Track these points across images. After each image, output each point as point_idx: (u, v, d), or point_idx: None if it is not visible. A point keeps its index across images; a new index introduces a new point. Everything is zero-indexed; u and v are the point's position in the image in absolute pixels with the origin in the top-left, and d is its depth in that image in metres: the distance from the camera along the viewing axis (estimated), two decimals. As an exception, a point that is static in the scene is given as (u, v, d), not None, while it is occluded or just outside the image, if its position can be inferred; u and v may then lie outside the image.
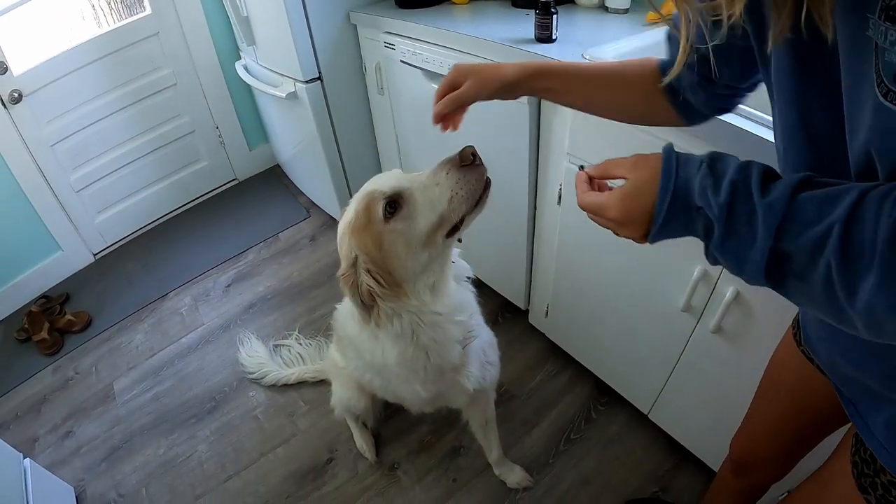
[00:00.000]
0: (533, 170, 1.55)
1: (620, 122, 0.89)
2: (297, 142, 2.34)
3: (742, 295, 1.13)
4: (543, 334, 1.92)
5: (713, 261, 0.52)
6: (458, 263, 1.11)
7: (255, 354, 1.97)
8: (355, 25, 1.92)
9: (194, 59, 2.53)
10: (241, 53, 2.48)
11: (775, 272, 0.47)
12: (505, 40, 1.42)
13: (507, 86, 0.84)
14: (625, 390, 1.71)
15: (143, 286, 2.45)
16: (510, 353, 1.91)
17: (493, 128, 1.54)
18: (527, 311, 1.96)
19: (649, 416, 1.67)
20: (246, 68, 2.36)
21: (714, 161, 0.51)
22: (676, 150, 0.54)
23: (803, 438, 0.92)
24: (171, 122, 2.62)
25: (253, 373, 1.94)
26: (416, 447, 1.74)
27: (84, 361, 2.18)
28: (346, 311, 1.24)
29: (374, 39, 1.85)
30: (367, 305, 0.96)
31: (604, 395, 1.79)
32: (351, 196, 2.35)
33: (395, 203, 0.88)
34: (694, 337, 1.34)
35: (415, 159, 2.06)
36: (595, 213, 0.60)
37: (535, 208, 1.65)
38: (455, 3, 1.81)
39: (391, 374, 1.15)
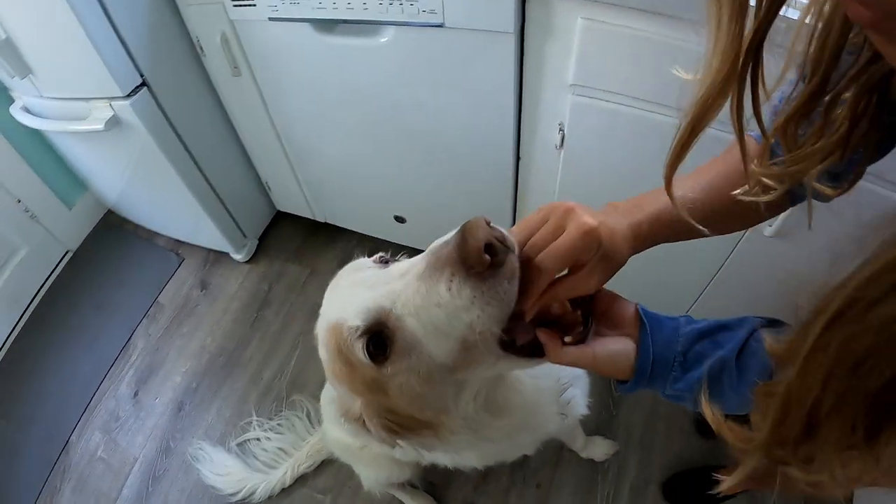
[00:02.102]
0: (516, 112, 1.21)
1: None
2: (132, 174, 1.63)
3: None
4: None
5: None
6: None
7: (224, 471, 1.46)
8: (172, -7, 1.27)
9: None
10: (11, 93, 1.60)
11: None
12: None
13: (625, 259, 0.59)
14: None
15: (34, 445, 1.69)
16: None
17: (458, 66, 1.15)
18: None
19: (680, 324, 1.59)
20: (27, 109, 1.52)
21: (686, 358, 0.56)
22: None
23: None
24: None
25: (235, 494, 1.44)
26: (478, 476, 1.48)
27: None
28: None
29: (207, 3, 1.24)
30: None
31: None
32: (236, 222, 1.79)
33: (380, 337, 0.54)
34: (741, 246, 1.22)
35: (304, 146, 1.58)
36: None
37: (519, 159, 1.33)
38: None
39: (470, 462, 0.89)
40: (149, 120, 1.33)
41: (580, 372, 1.00)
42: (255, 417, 1.56)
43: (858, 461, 0.33)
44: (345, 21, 1.14)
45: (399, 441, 0.63)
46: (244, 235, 1.86)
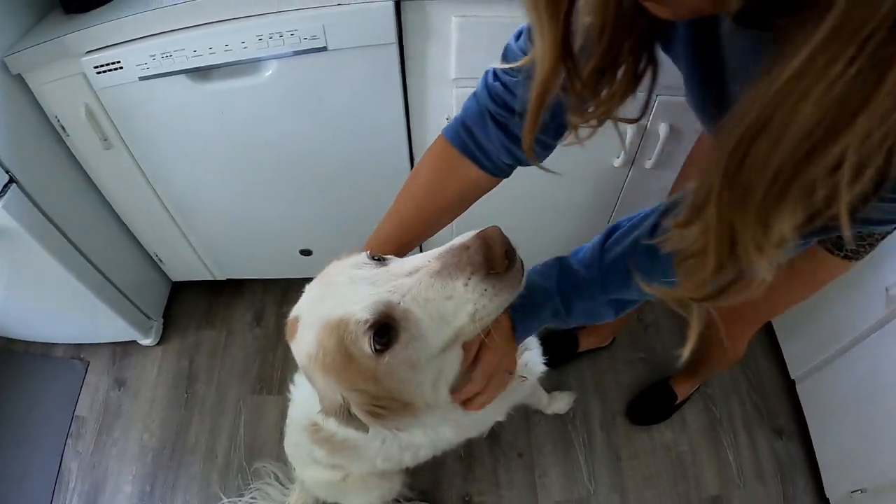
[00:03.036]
0: (405, 116, 1.28)
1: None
2: (11, 285, 1.43)
3: (675, 127, 1.24)
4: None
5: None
6: None
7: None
8: (20, 76, 1.15)
9: None
10: None
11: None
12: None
13: None
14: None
15: None
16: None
17: (345, 85, 1.19)
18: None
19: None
20: None
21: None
22: None
23: None
24: None
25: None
26: (462, 468, 1.53)
27: None
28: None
29: (64, 77, 1.15)
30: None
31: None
32: (136, 306, 1.64)
33: (385, 329, 0.60)
34: (631, 178, 1.41)
35: (191, 206, 1.52)
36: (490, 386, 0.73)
37: (413, 159, 1.40)
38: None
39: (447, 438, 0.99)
40: (25, 220, 1.19)
41: (530, 337, 1.10)
42: (225, 499, 1.45)
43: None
44: (222, 65, 1.14)
45: (380, 423, 0.69)
46: (148, 318, 1.72)
